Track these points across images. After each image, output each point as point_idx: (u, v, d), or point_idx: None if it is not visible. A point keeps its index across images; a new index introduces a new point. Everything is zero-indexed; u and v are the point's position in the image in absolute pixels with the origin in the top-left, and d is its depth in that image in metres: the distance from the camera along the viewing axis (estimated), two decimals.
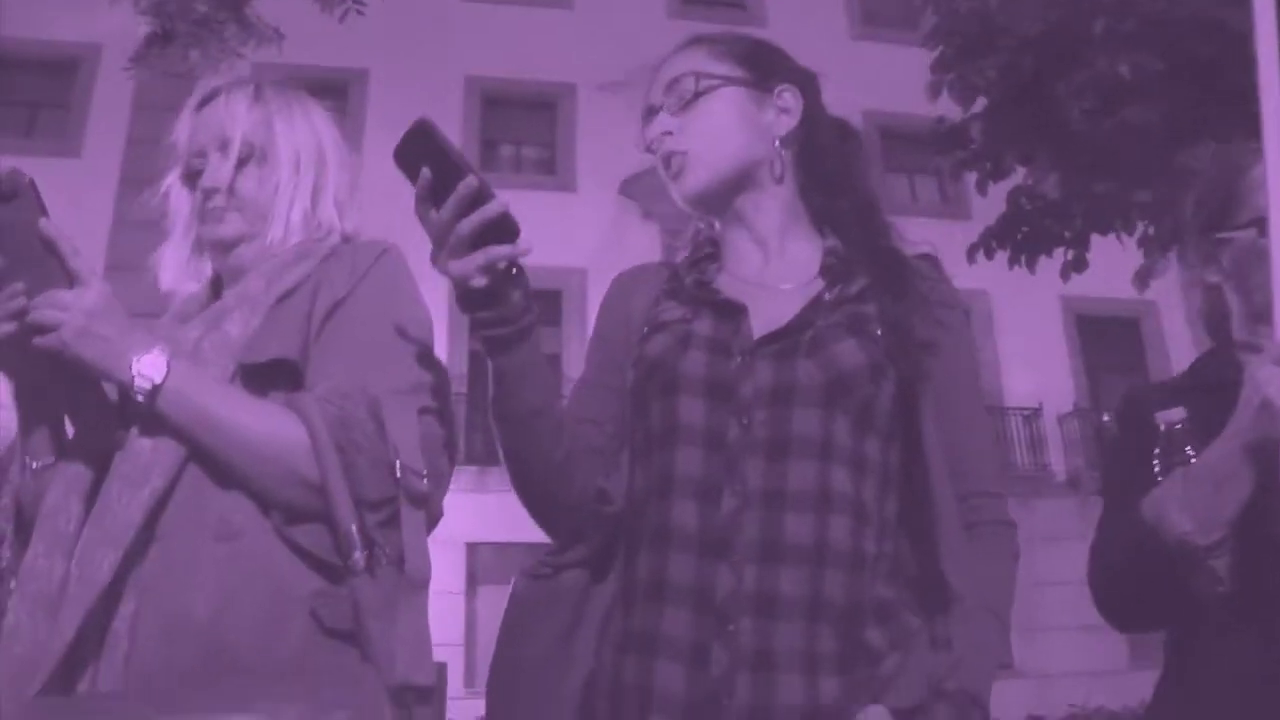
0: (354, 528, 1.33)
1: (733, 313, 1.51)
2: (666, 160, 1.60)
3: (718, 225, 1.64)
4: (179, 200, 1.70)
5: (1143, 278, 8.08)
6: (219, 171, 1.62)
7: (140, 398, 1.37)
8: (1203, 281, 1.71)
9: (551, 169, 18.04)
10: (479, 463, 15.13)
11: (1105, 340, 18.71)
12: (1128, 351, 18.75)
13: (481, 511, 13.35)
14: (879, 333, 1.46)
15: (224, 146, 1.63)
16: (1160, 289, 17.39)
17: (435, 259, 1.32)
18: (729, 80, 1.60)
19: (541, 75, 17.97)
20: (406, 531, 1.38)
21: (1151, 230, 8.09)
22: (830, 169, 1.63)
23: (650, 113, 1.63)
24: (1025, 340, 17.66)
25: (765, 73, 1.62)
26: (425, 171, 1.28)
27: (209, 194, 1.62)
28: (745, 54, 1.64)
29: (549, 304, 16.52)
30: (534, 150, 18.51)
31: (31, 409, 1.48)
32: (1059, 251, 8.53)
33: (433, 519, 1.47)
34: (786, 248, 1.59)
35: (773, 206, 1.60)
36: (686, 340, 1.49)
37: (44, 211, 1.36)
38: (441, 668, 1.48)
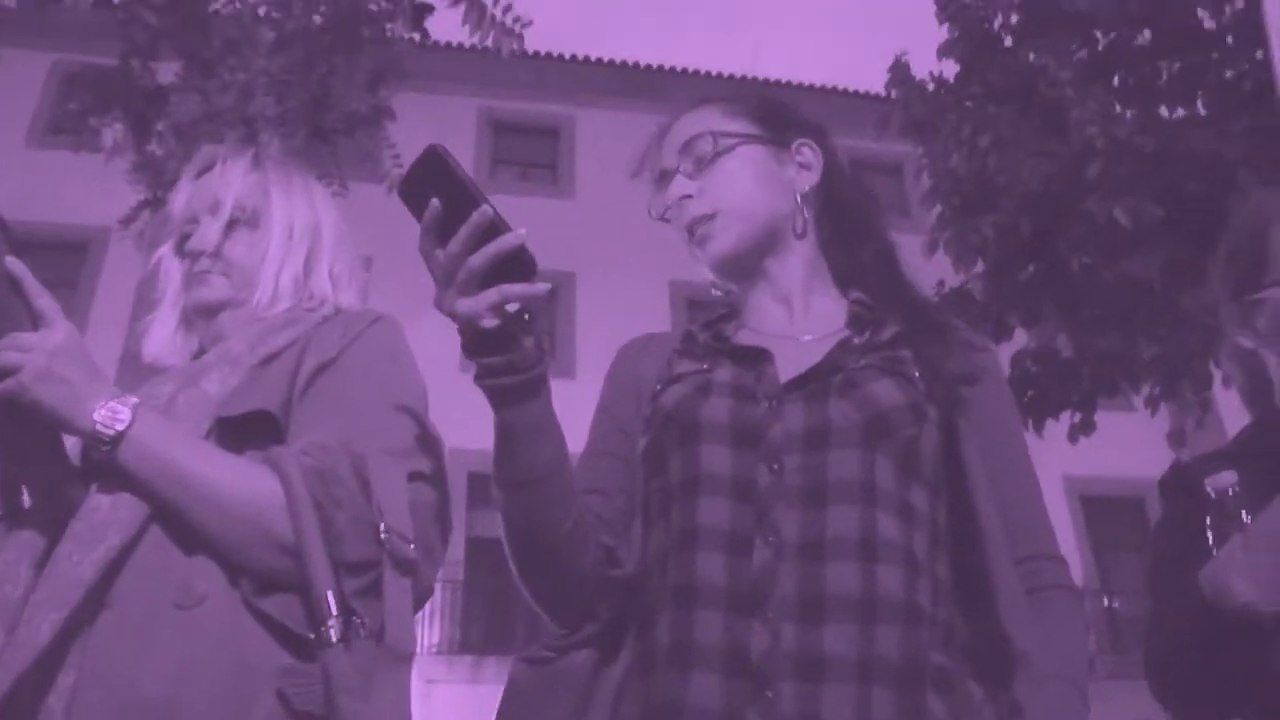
0: (329, 593, 1.18)
1: (755, 359, 1.40)
2: (691, 226, 1.52)
3: (735, 289, 1.57)
4: (170, 269, 1.64)
5: (1177, 438, 7.95)
6: (207, 233, 1.56)
7: (102, 447, 1.24)
8: (1238, 348, 1.62)
9: (551, 356, 18.11)
10: (475, 652, 14.78)
11: (1111, 520, 18.50)
12: (1135, 531, 18.50)
13: (479, 704, 12.85)
14: (916, 374, 1.35)
15: (215, 209, 1.57)
16: (1164, 466, 17.56)
17: (440, 299, 1.20)
18: (747, 138, 1.54)
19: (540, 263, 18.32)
20: (390, 600, 1.22)
21: (1159, 390, 8.05)
22: (852, 222, 1.56)
23: (664, 177, 1.57)
24: None
25: (781, 128, 1.57)
26: (435, 202, 1.16)
27: (196, 256, 1.56)
28: (758, 111, 1.58)
29: None
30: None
31: None
32: (1064, 415, 8.48)
33: (422, 594, 1.33)
34: (811, 303, 1.50)
35: (796, 264, 1.52)
36: (706, 388, 1.37)
37: (14, 251, 1.28)
38: None
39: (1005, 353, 8.38)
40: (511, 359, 1.21)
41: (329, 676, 1.13)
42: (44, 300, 1.28)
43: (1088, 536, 18.35)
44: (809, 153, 1.56)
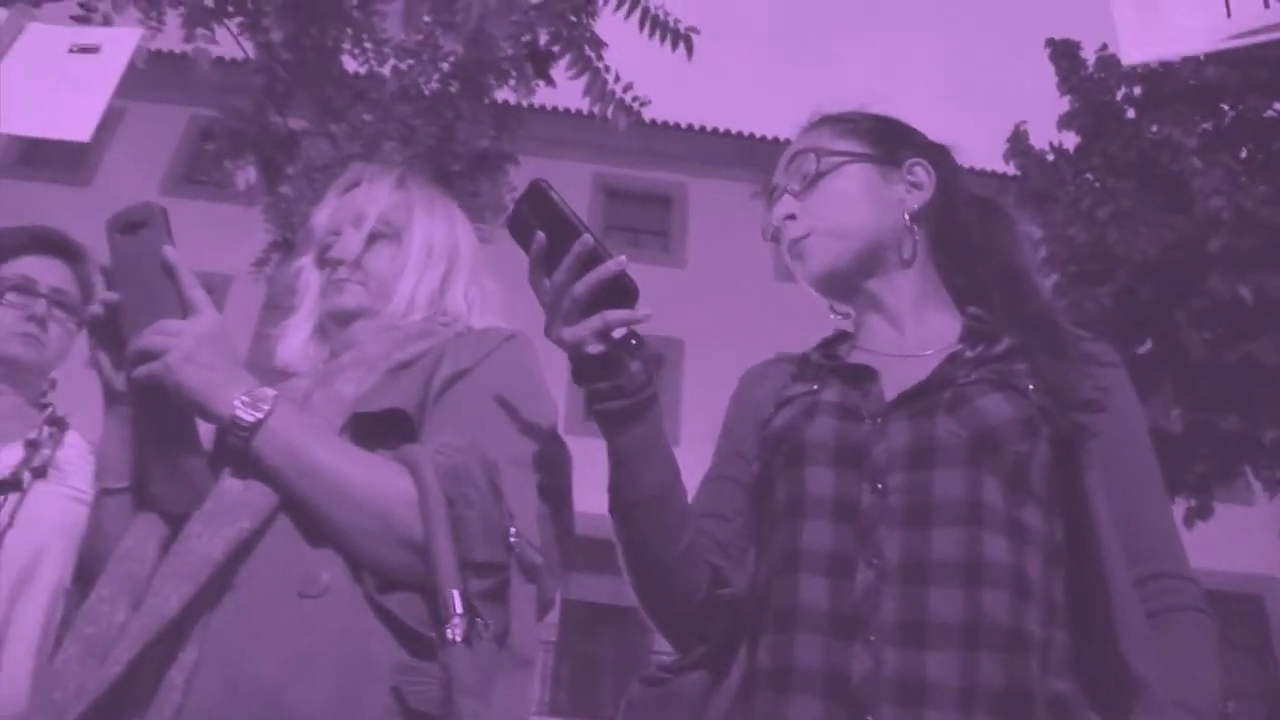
0: (455, 592, 1.16)
1: (862, 377, 1.38)
2: (792, 247, 1.51)
3: (850, 311, 1.55)
4: (309, 279, 1.67)
5: None
6: (349, 243, 1.60)
7: (239, 434, 1.26)
8: None
9: None
10: (563, 715, 14.67)
11: (1226, 617, 17.69)
12: (1251, 631, 17.74)
13: None
14: (1030, 388, 1.29)
15: (358, 222, 1.61)
16: None
17: (549, 328, 1.26)
18: (854, 156, 1.51)
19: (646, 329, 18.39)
20: (515, 605, 1.22)
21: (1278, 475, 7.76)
22: (971, 245, 1.52)
23: (773, 194, 1.56)
24: None
25: (893, 147, 1.53)
26: (540, 235, 1.23)
27: (336, 265, 1.60)
28: (871, 130, 1.55)
29: None
30: None
31: (116, 426, 1.38)
32: (1179, 501, 8.20)
33: (543, 605, 1.33)
34: (924, 320, 1.47)
35: (905, 285, 1.48)
36: (813, 409, 1.36)
37: (171, 240, 1.33)
38: None
39: None
40: (619, 383, 1.25)
41: (450, 675, 1.12)
42: (196, 291, 1.32)
43: None
44: (921, 172, 1.52)
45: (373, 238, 1.61)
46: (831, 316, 1.57)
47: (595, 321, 1.21)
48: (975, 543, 1.20)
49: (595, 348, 1.22)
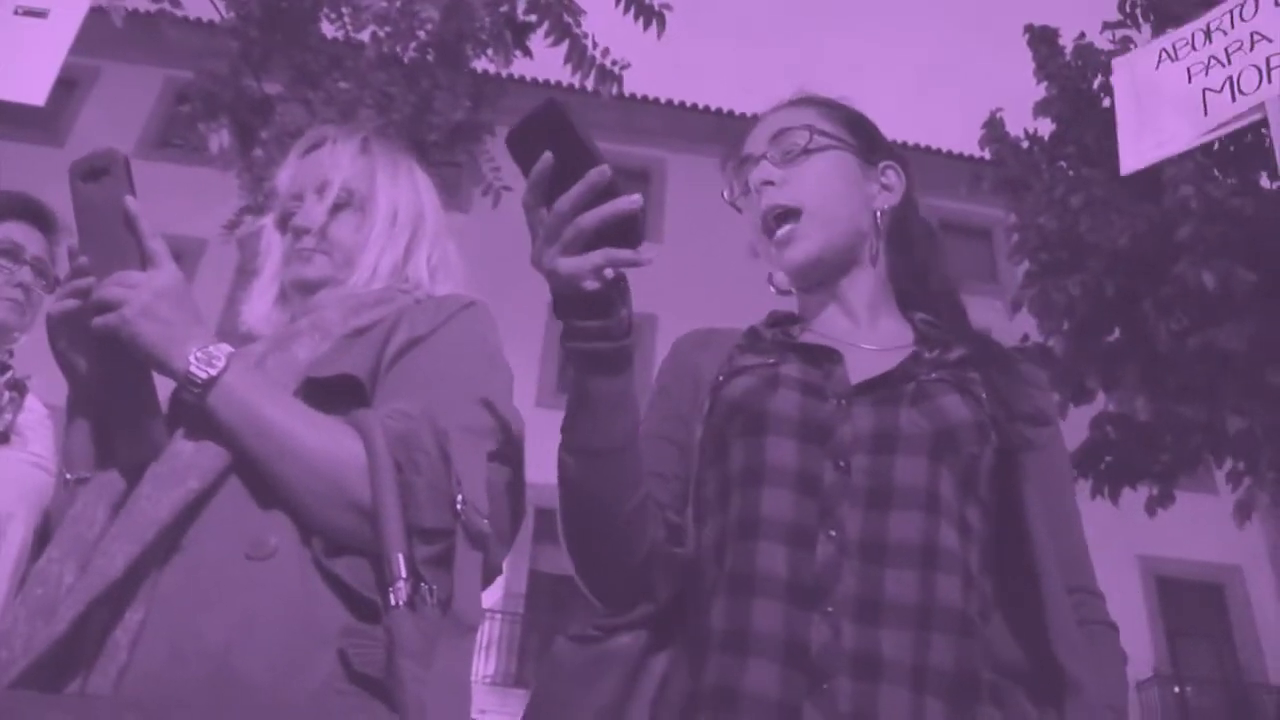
0: (401, 556, 1.16)
1: (824, 358, 1.41)
2: (772, 215, 1.50)
3: (792, 293, 1.58)
4: (271, 242, 1.67)
5: (1245, 510, 7.73)
6: (312, 212, 1.59)
7: (193, 389, 1.26)
8: None
9: None
10: (529, 686, 14.59)
11: (1187, 605, 17.96)
12: (1212, 618, 17.95)
13: None
14: (983, 396, 1.36)
15: (322, 189, 1.61)
16: (1246, 551, 17.12)
17: (540, 255, 1.19)
18: (842, 143, 1.54)
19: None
20: (460, 571, 1.21)
21: (1242, 465, 7.84)
22: (921, 255, 1.57)
23: (746, 162, 1.56)
24: None
25: (871, 144, 1.57)
26: (548, 155, 1.15)
27: (299, 233, 1.59)
28: (854, 122, 1.58)
29: None
30: None
31: (77, 415, 1.39)
32: (1141, 488, 8.29)
33: (490, 572, 1.33)
34: (877, 321, 1.51)
35: (866, 284, 1.53)
36: (774, 381, 1.37)
37: (132, 190, 1.32)
38: None
39: (1084, 415, 8.24)
40: (607, 325, 1.21)
41: (392, 638, 1.12)
42: (155, 242, 1.31)
43: (1161, 619, 17.83)
44: (893, 175, 1.56)
45: (337, 207, 1.60)
46: (774, 291, 1.57)
47: (598, 257, 1.15)
48: (932, 530, 1.26)
49: (592, 284, 1.17)
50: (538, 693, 1.34)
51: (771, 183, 1.50)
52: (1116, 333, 7.72)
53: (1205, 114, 2.02)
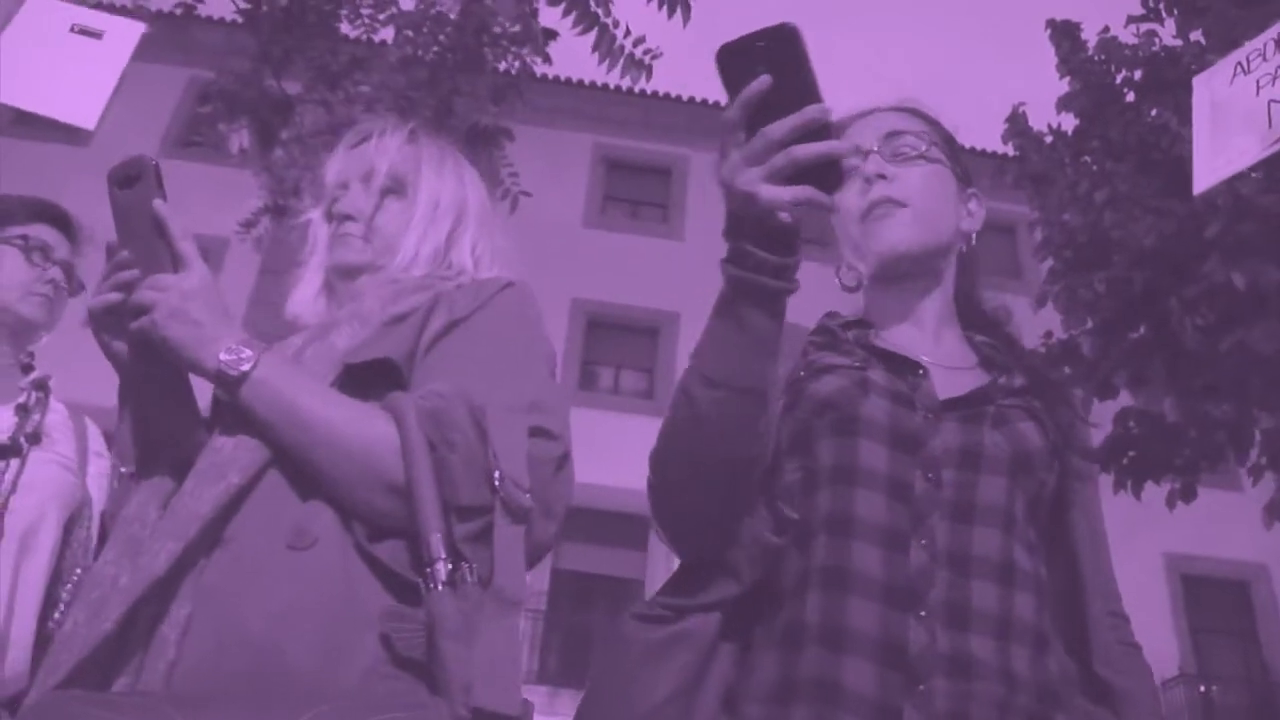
0: (438, 536, 1.17)
1: (909, 369, 1.44)
2: (879, 204, 1.51)
3: (869, 294, 1.59)
4: (318, 233, 1.69)
5: (1275, 510, 7.64)
6: (358, 199, 1.62)
7: (225, 385, 1.29)
8: None
9: (650, 394, 18.19)
10: (551, 684, 14.74)
11: (1212, 602, 17.84)
12: (1237, 616, 17.83)
13: None
14: (1049, 425, 1.42)
15: (367, 178, 1.63)
16: (1273, 549, 16.98)
17: (736, 175, 1.17)
18: (947, 159, 1.58)
19: (644, 301, 18.35)
20: (499, 548, 1.20)
21: (1265, 460, 7.77)
22: (978, 279, 1.64)
23: (860, 151, 1.55)
24: (1126, 597, 16.77)
25: (964, 171, 1.62)
26: (766, 77, 1.13)
27: (342, 219, 1.61)
28: (952, 144, 1.63)
29: (638, 528, 16.38)
30: (634, 375, 18.71)
31: (130, 409, 1.42)
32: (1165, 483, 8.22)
33: (540, 548, 1.31)
34: (942, 337, 1.54)
35: (939, 300, 1.56)
36: (864, 385, 1.39)
37: (162, 195, 1.35)
38: (528, 706, 1.24)
39: (1109, 410, 8.18)
40: (786, 263, 1.20)
41: (432, 619, 1.13)
42: (186, 245, 1.34)
43: (1186, 617, 17.72)
44: (976, 204, 1.61)
45: (382, 193, 1.62)
46: (841, 287, 1.59)
47: (802, 192, 1.14)
48: (1008, 548, 1.33)
49: (787, 218, 1.17)
50: (604, 671, 1.34)
51: (884, 176, 1.52)
52: (1142, 329, 7.66)
53: (1270, 125, 2.02)
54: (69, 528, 2.10)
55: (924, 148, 1.54)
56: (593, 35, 5.58)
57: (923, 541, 1.30)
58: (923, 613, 1.26)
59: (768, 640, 1.32)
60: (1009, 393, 1.43)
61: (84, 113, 2.04)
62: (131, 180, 1.35)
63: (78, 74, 2.07)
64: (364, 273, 1.60)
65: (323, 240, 1.67)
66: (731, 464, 1.29)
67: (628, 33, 5.68)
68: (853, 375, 1.41)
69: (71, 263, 2.33)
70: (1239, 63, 2.20)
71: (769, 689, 1.28)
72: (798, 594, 1.31)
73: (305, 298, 1.67)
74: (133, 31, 2.16)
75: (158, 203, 1.34)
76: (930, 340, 1.52)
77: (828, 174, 1.14)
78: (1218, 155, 2.11)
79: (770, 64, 1.13)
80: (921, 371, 1.43)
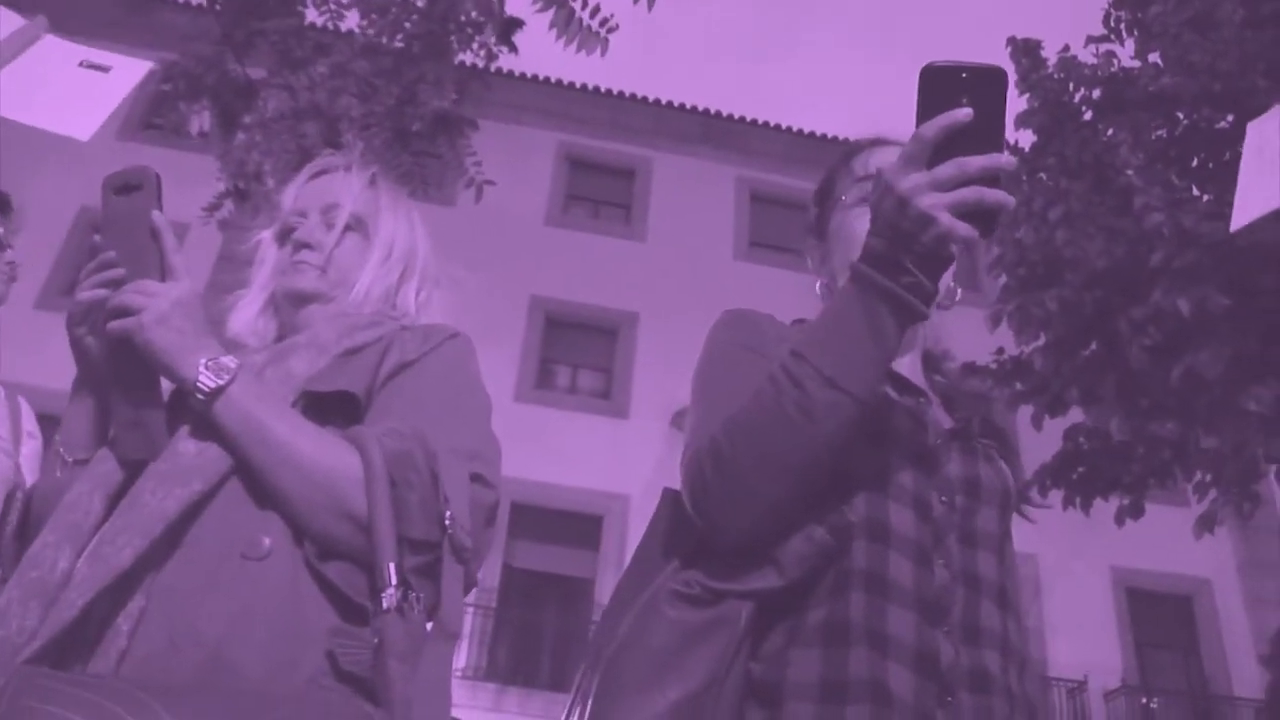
0: (392, 565, 1.23)
1: (915, 394, 1.49)
2: None
3: None
4: (267, 255, 1.73)
5: (1206, 523, 7.80)
6: (316, 230, 1.67)
7: (200, 397, 1.33)
8: None
9: (607, 395, 18.25)
10: (499, 681, 14.73)
11: (1156, 616, 18.09)
12: (1180, 630, 18.08)
13: None
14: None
15: (327, 210, 1.68)
16: (1215, 565, 17.24)
17: (916, 191, 1.19)
18: None
19: (603, 301, 18.35)
20: (445, 582, 1.29)
21: (1209, 478, 7.92)
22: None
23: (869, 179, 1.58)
24: (1073, 609, 17.15)
25: None
26: (969, 110, 1.17)
27: (299, 246, 1.66)
28: None
29: (590, 528, 16.38)
30: (591, 375, 18.71)
31: (81, 398, 1.46)
32: (1112, 499, 8.37)
33: (467, 584, 1.39)
34: (915, 370, 1.57)
35: (919, 329, 1.57)
36: (886, 399, 1.41)
37: (160, 206, 1.40)
38: None
39: (1058, 426, 8.29)
40: (933, 291, 1.24)
41: (383, 640, 1.19)
42: (177, 257, 1.39)
43: (1131, 630, 17.96)
44: None
45: (344, 229, 1.68)
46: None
47: (973, 231, 1.19)
48: (1001, 574, 1.40)
49: (955, 249, 1.21)
50: (635, 645, 1.30)
51: None
52: (1094, 346, 7.77)
53: None
54: (6, 506, 2.08)
55: None
56: (551, 15, 5.56)
57: (942, 561, 1.34)
58: (947, 628, 1.30)
59: (806, 637, 1.30)
60: (982, 432, 1.50)
61: (80, 126, 2.14)
62: (131, 188, 1.41)
63: (80, 97, 2.18)
64: (314, 302, 1.65)
65: (272, 262, 1.71)
66: (819, 460, 1.28)
67: (585, 4, 5.64)
68: None
69: (8, 241, 2.32)
70: None
71: (817, 687, 1.26)
72: (839, 594, 1.30)
73: (247, 318, 1.71)
74: (139, 68, 2.27)
75: (156, 214, 1.39)
76: (906, 371, 1.54)
77: (990, 219, 1.19)
78: (1255, 193, 2.16)
79: (971, 98, 1.17)
80: (923, 399, 1.48)
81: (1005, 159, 1.18)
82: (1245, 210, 2.16)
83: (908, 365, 1.55)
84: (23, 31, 2.25)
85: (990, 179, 1.18)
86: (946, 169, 1.18)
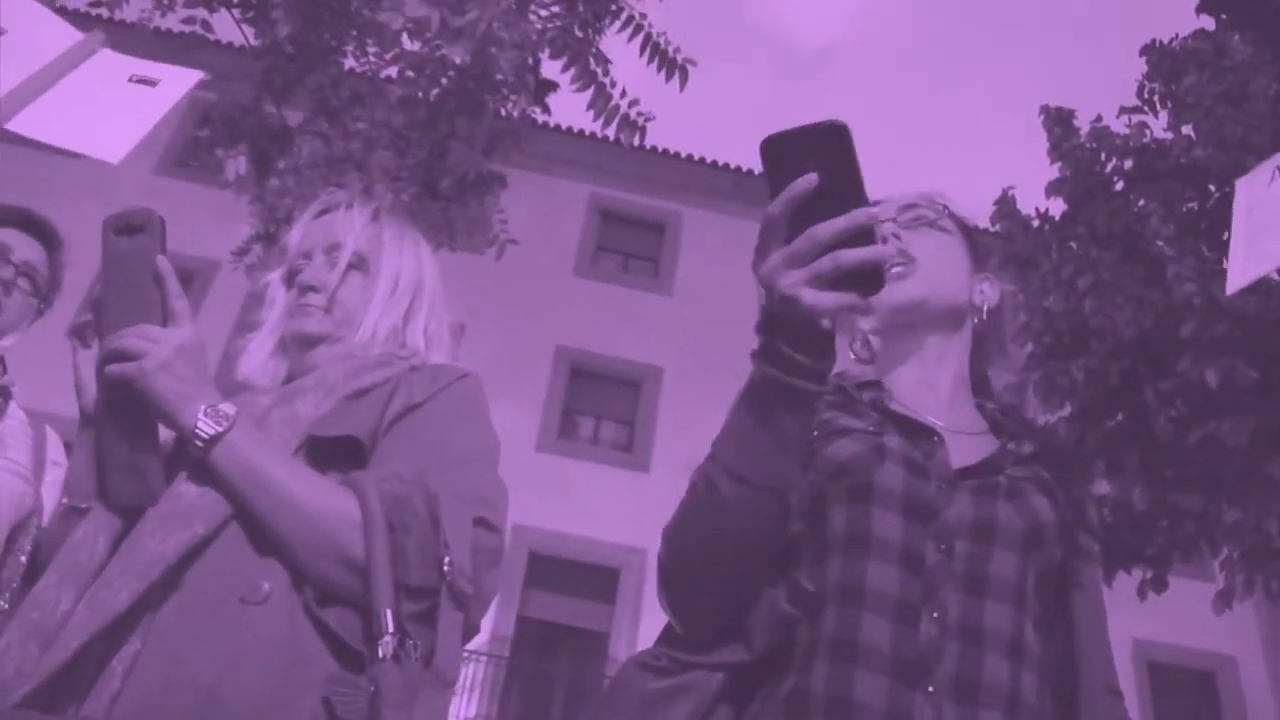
0: (389, 611, 1.23)
1: (924, 436, 1.45)
2: (889, 267, 1.55)
3: (879, 357, 1.63)
4: (276, 296, 1.75)
5: (1225, 599, 7.69)
6: (320, 271, 1.67)
7: (198, 444, 1.34)
8: None
9: (629, 448, 18.15)
10: None
11: (1178, 692, 17.77)
12: (1202, 707, 17.76)
13: None
14: (1061, 500, 1.42)
15: (331, 250, 1.68)
16: (1240, 641, 16.96)
17: (775, 273, 1.16)
18: (963, 234, 1.65)
19: (629, 354, 18.32)
20: (442, 629, 1.28)
21: (1236, 554, 7.80)
22: (998, 352, 1.68)
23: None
24: None
25: (979, 252, 1.67)
26: (814, 175, 1.12)
27: (304, 289, 1.67)
28: (969, 228, 1.69)
29: (607, 581, 16.28)
30: (614, 427, 18.65)
31: (84, 442, 1.46)
32: (1136, 571, 8.24)
33: (470, 631, 1.39)
34: (954, 400, 1.56)
35: (952, 365, 1.58)
36: (880, 451, 1.40)
37: (164, 249, 1.40)
38: None
39: None
40: (820, 367, 1.20)
41: (379, 688, 1.18)
42: (180, 302, 1.40)
43: (1153, 705, 17.65)
44: (989, 286, 1.64)
45: (346, 268, 1.68)
46: (853, 356, 1.62)
47: (847, 299, 1.14)
48: (1020, 624, 1.33)
49: (827, 324, 1.17)
50: (598, 714, 1.36)
51: (898, 237, 1.58)
52: (1120, 417, 7.71)
53: None
54: (14, 536, 2.08)
55: (935, 218, 1.60)
56: (590, 92, 5.70)
57: (934, 614, 1.30)
58: (930, 688, 1.25)
59: (774, 708, 1.31)
60: (1019, 460, 1.44)
61: (113, 149, 2.10)
62: (133, 230, 1.40)
63: (120, 115, 2.15)
64: (322, 343, 1.65)
65: (281, 305, 1.73)
66: (751, 552, 1.30)
67: (624, 94, 5.82)
68: (868, 440, 1.41)
69: (34, 264, 2.29)
70: (1278, 166, 2.22)
71: None
72: (805, 663, 1.30)
73: (257, 362, 1.72)
74: (187, 78, 2.27)
75: (160, 259, 1.39)
76: (944, 406, 1.53)
77: (870, 277, 1.13)
78: (1251, 255, 2.14)
79: (817, 161, 1.12)
80: (936, 439, 1.44)
81: (860, 214, 1.12)
82: (1242, 273, 2.15)
83: (930, 399, 1.53)
84: (79, 46, 2.24)
85: (859, 236, 1.12)
86: (799, 244, 1.14)
